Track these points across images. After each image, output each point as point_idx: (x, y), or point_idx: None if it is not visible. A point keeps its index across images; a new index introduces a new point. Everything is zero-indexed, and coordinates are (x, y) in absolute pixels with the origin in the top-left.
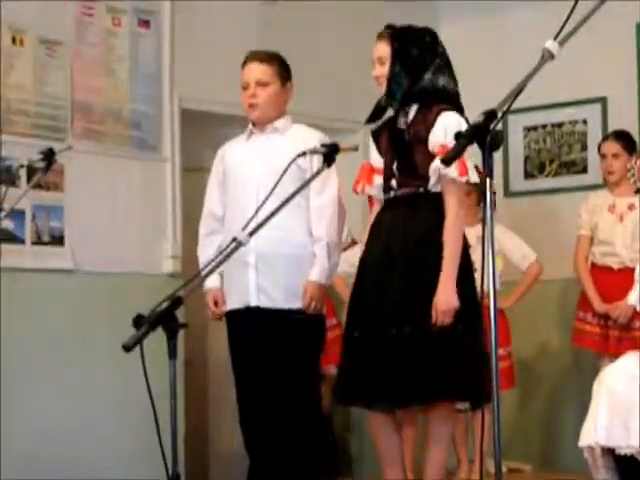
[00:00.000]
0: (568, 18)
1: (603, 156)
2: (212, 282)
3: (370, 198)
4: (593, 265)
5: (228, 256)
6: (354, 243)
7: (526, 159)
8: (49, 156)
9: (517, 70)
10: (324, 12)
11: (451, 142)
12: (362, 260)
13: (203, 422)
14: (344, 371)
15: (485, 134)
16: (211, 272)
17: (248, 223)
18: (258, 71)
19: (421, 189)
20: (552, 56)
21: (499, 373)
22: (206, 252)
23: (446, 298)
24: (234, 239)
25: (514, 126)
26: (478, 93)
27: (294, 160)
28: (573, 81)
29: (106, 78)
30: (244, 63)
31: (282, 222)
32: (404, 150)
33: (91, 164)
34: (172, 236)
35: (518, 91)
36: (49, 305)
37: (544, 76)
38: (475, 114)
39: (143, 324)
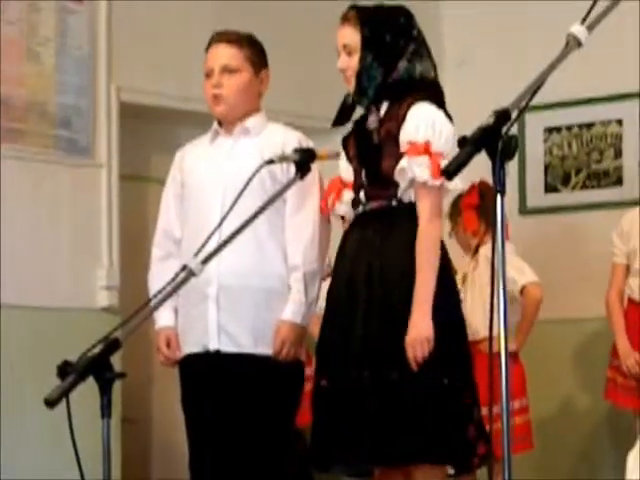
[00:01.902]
0: (595, 2)
1: None
2: (165, 320)
3: (343, 219)
4: (630, 301)
5: (177, 288)
6: None
7: (547, 168)
8: None
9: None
10: None
11: (424, 138)
12: (327, 295)
13: None
14: (315, 429)
15: (496, 139)
16: (155, 308)
17: (202, 247)
18: (225, 55)
19: (394, 201)
20: (579, 43)
21: (511, 431)
22: (159, 281)
23: (416, 327)
24: (184, 267)
25: (532, 127)
26: (485, 87)
27: (258, 170)
28: (605, 72)
29: (27, 64)
30: (208, 45)
31: (251, 247)
32: (371, 154)
33: (9, 171)
34: (107, 261)
35: (537, 86)
36: None
37: (569, 66)
38: (480, 114)
39: (70, 373)
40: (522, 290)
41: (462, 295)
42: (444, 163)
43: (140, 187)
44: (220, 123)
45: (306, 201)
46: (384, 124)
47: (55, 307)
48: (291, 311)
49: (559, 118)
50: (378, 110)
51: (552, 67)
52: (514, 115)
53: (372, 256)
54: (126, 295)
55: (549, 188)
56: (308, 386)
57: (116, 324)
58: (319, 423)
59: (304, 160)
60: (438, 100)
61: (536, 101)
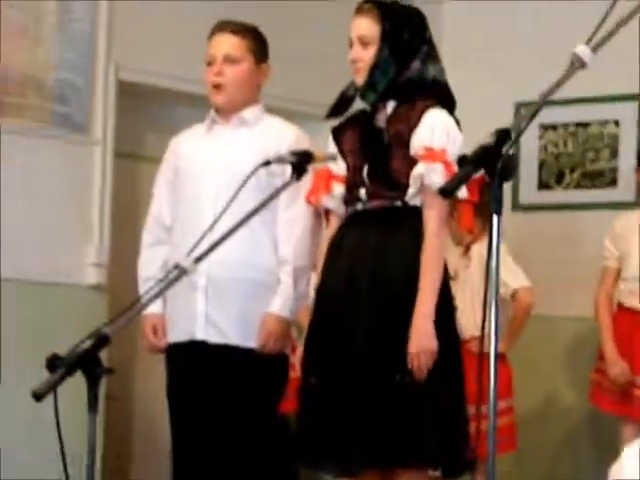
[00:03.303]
0: (603, 21)
1: None
2: (152, 306)
3: (327, 212)
4: (619, 306)
5: (168, 286)
6: None
7: (541, 165)
8: None
9: (534, 51)
10: None
11: (440, 145)
12: (318, 291)
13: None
14: (304, 426)
15: (495, 159)
16: (146, 305)
17: (195, 247)
18: (228, 44)
19: (398, 202)
20: (583, 64)
21: (496, 432)
22: (149, 267)
23: (420, 338)
24: (176, 266)
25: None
26: (488, 90)
27: (254, 172)
28: (605, 73)
29: (25, 39)
30: (212, 33)
31: (242, 239)
32: (380, 153)
33: (4, 144)
34: (98, 238)
35: (537, 108)
36: None
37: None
38: (481, 117)
39: (59, 367)
40: (513, 294)
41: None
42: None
43: (134, 166)
44: (217, 111)
45: (298, 195)
46: (392, 124)
47: (44, 282)
48: (278, 304)
49: (556, 115)
50: (384, 109)
51: (555, 88)
52: (514, 136)
53: (375, 256)
54: (115, 273)
55: (543, 185)
56: (292, 374)
57: (103, 302)
58: (307, 421)
59: (300, 162)
60: (450, 107)
61: (532, 97)
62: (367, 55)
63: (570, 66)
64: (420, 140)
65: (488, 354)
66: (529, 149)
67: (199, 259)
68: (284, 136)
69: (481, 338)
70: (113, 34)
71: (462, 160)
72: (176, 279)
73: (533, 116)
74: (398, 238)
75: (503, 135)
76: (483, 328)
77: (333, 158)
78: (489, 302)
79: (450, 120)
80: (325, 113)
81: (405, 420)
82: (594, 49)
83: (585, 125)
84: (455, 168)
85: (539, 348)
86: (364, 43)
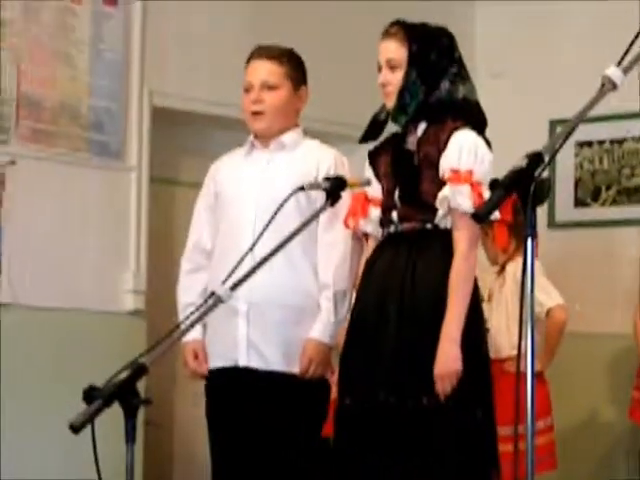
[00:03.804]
0: (634, 41)
1: None
2: (192, 332)
3: (366, 236)
4: None
5: (205, 315)
6: None
7: (577, 182)
8: None
9: (571, 68)
10: None
11: (466, 167)
12: (352, 312)
13: None
14: (339, 446)
15: (528, 183)
16: (184, 333)
17: (232, 273)
18: (265, 71)
19: (428, 224)
20: (614, 86)
21: (536, 451)
22: (189, 294)
23: (446, 360)
24: (212, 294)
25: None
26: (523, 107)
27: (289, 197)
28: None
29: (61, 67)
30: (248, 59)
31: (282, 264)
32: (410, 176)
33: (38, 173)
34: (135, 265)
35: (570, 129)
36: None
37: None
38: (516, 135)
39: (96, 398)
40: (548, 312)
41: (487, 313)
42: (485, 191)
43: (169, 191)
44: (256, 136)
45: (337, 219)
46: (422, 146)
47: (82, 310)
48: (319, 330)
49: (591, 132)
50: (415, 131)
51: (586, 110)
52: (547, 159)
53: (404, 279)
54: (153, 299)
55: (579, 202)
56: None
57: (141, 328)
58: (342, 441)
59: (334, 188)
60: (480, 126)
61: (567, 114)
62: (395, 78)
63: (601, 88)
64: (448, 162)
65: (525, 373)
66: (565, 166)
67: (236, 286)
68: (323, 160)
69: (517, 357)
70: (146, 60)
71: (494, 184)
72: (212, 307)
73: (566, 138)
74: (427, 260)
75: (535, 158)
76: (519, 349)
77: (367, 184)
78: (524, 324)
79: (479, 140)
80: (359, 137)
81: (431, 442)
82: (625, 70)
83: (620, 142)
84: (483, 189)
85: (578, 366)
86: (392, 66)
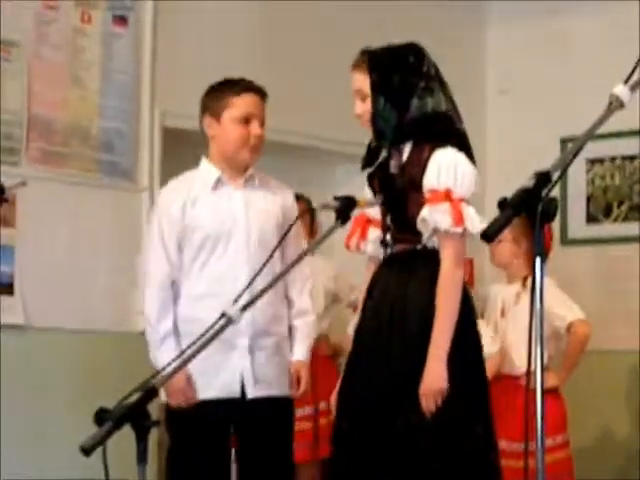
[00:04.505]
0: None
1: None
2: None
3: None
4: None
5: (215, 336)
6: None
7: (589, 199)
8: None
9: (580, 86)
10: (340, 13)
11: (444, 186)
12: (355, 333)
13: None
14: (336, 470)
15: (536, 202)
16: (194, 355)
17: (240, 296)
18: (262, 107)
19: (418, 245)
20: (622, 104)
21: (553, 466)
22: (165, 324)
23: (431, 379)
24: (222, 315)
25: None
26: (534, 125)
27: (295, 222)
28: None
29: (71, 88)
30: (241, 90)
31: (271, 295)
32: (396, 199)
33: (49, 194)
34: None
35: (578, 147)
36: None
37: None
38: (527, 152)
39: (107, 420)
40: (569, 327)
41: (501, 328)
42: (465, 207)
43: None
44: (224, 171)
45: (301, 241)
46: (406, 169)
47: (93, 330)
48: (303, 353)
49: (602, 149)
50: (400, 153)
51: (594, 129)
52: (554, 178)
53: (394, 300)
54: None
55: (591, 219)
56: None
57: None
58: (341, 464)
59: (345, 208)
60: (459, 141)
61: (578, 131)
62: (366, 107)
63: (609, 106)
64: (428, 182)
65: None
66: (576, 183)
67: (245, 308)
68: (281, 190)
69: (527, 374)
70: (156, 81)
71: (503, 204)
72: (223, 328)
73: (574, 156)
74: (417, 281)
75: (543, 178)
76: (529, 364)
77: (376, 204)
78: (534, 342)
79: (459, 157)
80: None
81: (428, 461)
82: (633, 88)
83: (632, 158)
84: (463, 205)
85: (593, 382)
86: (362, 97)
